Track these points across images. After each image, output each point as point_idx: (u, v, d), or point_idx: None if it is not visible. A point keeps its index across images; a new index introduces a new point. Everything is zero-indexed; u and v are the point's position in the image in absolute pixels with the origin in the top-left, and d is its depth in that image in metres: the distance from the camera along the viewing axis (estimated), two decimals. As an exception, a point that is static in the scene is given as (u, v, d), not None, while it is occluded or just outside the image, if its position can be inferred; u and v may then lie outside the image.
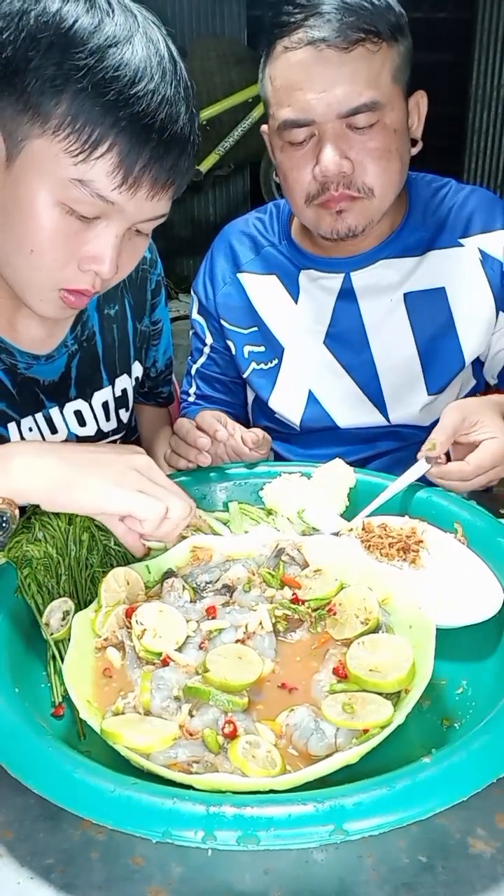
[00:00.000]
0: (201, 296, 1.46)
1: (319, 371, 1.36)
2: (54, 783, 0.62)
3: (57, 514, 0.96)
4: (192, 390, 1.50)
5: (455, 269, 1.30)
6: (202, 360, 1.48)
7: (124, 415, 1.26)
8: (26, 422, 1.11)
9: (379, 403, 1.35)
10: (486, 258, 1.30)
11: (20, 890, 0.60)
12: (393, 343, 1.33)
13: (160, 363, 1.39)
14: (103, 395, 1.21)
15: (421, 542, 0.98)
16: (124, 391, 1.25)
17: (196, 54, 4.69)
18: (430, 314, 1.31)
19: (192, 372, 1.50)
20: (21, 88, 0.80)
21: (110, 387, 1.22)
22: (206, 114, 4.71)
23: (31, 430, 1.12)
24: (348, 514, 1.06)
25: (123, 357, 1.24)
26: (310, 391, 1.37)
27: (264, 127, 1.27)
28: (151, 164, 0.84)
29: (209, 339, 1.46)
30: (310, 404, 1.38)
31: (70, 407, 1.16)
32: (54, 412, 1.14)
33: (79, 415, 1.18)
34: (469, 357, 1.33)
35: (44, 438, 1.14)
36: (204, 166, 4.82)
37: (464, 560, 0.94)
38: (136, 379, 1.29)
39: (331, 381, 1.36)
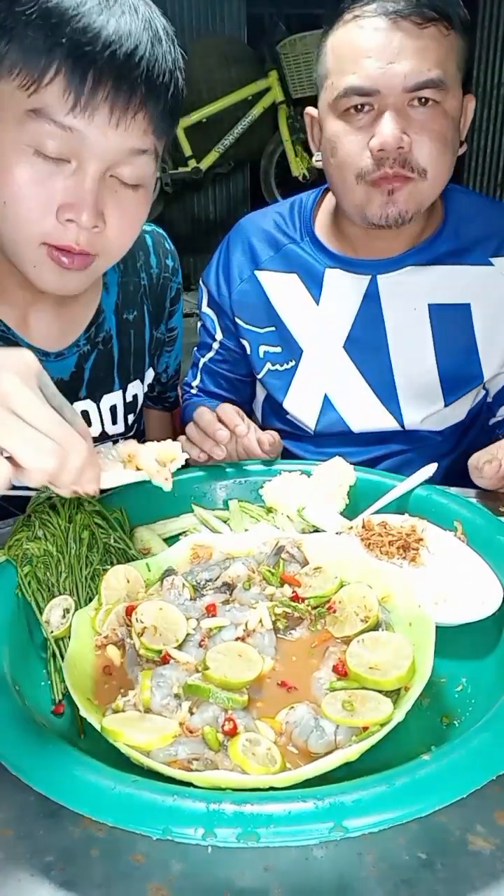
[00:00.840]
0: (213, 289, 1.42)
1: (337, 376, 1.34)
2: (54, 781, 0.62)
3: (57, 512, 0.96)
4: (196, 383, 1.49)
5: (482, 288, 1.28)
6: (210, 354, 1.46)
7: (131, 419, 1.26)
8: None
9: (394, 410, 1.33)
10: None
11: (20, 887, 0.60)
12: (413, 353, 1.31)
13: (171, 368, 1.38)
14: (112, 398, 1.20)
15: (421, 540, 0.98)
16: (135, 396, 1.25)
17: (196, 54, 4.70)
18: (453, 329, 1.30)
19: (199, 365, 1.48)
20: None
21: (121, 391, 1.22)
22: (206, 112, 4.72)
23: None
24: (348, 513, 1.06)
25: (138, 363, 1.24)
26: (325, 396, 1.35)
27: (310, 109, 1.26)
28: (104, 82, 0.82)
29: (219, 336, 1.44)
30: (325, 409, 1.36)
31: (78, 406, 1.16)
32: None
33: (85, 415, 1.17)
34: (488, 375, 1.32)
35: None
36: (204, 164, 4.83)
37: (463, 558, 0.94)
38: (148, 385, 1.29)
39: (347, 386, 1.34)
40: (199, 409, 1.19)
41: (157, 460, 0.86)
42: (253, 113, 4.74)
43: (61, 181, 0.86)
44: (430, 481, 1.09)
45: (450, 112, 1.14)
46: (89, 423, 1.18)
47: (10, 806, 0.67)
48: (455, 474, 1.21)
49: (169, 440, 0.88)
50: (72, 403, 1.14)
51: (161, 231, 1.31)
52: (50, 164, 0.85)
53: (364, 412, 1.34)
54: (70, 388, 1.14)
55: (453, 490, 1.09)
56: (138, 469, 0.86)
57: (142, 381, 1.25)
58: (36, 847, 0.63)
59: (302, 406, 1.37)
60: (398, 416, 1.33)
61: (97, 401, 1.18)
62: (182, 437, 1.20)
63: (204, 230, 5.51)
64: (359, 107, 1.13)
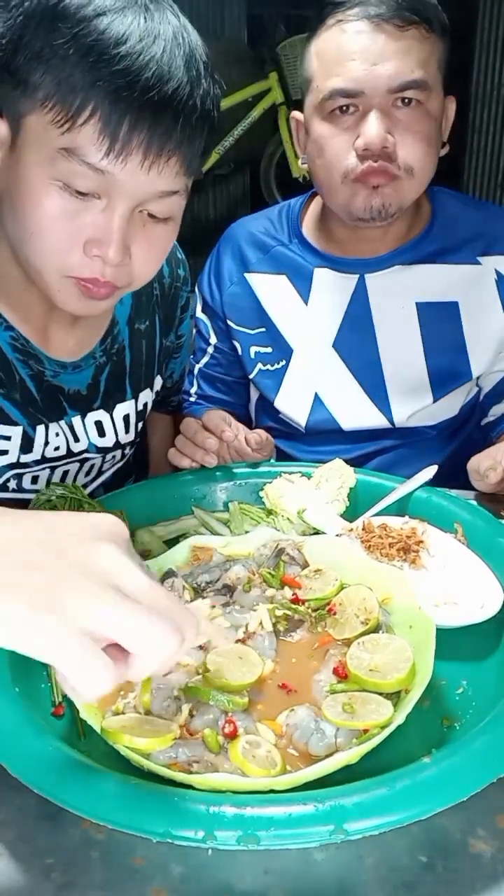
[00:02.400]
0: (206, 294, 1.44)
1: (327, 374, 1.35)
2: (54, 783, 0.62)
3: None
4: (194, 390, 1.49)
5: (470, 287, 1.30)
6: (205, 359, 1.47)
7: (140, 426, 1.26)
8: (54, 426, 1.11)
9: (384, 407, 1.35)
10: (501, 280, 1.29)
11: (20, 890, 0.60)
12: (402, 350, 1.32)
13: (176, 374, 1.39)
14: (126, 407, 1.20)
15: (421, 542, 0.98)
16: (145, 405, 1.25)
17: (196, 54, 4.69)
18: (441, 327, 1.31)
19: (195, 371, 1.49)
20: (15, 67, 0.80)
21: (133, 400, 1.22)
22: (206, 113, 4.71)
23: (57, 434, 1.12)
24: (348, 515, 1.06)
25: (149, 372, 1.24)
26: (316, 394, 1.37)
27: (295, 113, 1.28)
28: (140, 128, 0.80)
29: (213, 339, 1.45)
30: (315, 407, 1.37)
31: (91, 417, 1.16)
32: (76, 421, 1.14)
33: (99, 425, 1.17)
34: (476, 373, 1.32)
35: (69, 446, 1.14)
36: (204, 165, 4.83)
37: (464, 560, 0.94)
38: (157, 392, 1.29)
39: (337, 384, 1.35)
40: (185, 421, 1.20)
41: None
42: (253, 114, 4.73)
43: (90, 217, 0.85)
44: (430, 480, 1.09)
45: (432, 112, 1.16)
46: (103, 433, 1.18)
47: (10, 808, 0.67)
48: (451, 471, 1.21)
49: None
50: (86, 414, 1.15)
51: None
52: (78, 199, 0.84)
53: (354, 409, 1.36)
54: (87, 400, 1.14)
55: (454, 492, 1.09)
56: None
57: (151, 390, 1.25)
58: (36, 849, 0.63)
59: (293, 404, 1.39)
60: (387, 413, 1.35)
61: (110, 411, 1.18)
62: (171, 450, 1.20)
63: (204, 231, 5.51)
64: (344, 108, 1.15)
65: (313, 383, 1.37)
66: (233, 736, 0.68)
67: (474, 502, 1.04)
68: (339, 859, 0.62)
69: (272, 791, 0.63)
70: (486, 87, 5.38)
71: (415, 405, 1.34)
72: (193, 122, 0.84)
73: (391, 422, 1.35)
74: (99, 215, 0.85)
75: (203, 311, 1.46)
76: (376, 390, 1.34)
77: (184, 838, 0.57)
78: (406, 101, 1.13)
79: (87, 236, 0.86)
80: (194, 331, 1.48)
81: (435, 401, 1.33)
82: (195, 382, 1.50)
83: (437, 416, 1.36)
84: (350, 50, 1.12)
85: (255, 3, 4.89)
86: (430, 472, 1.10)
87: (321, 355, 1.35)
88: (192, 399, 1.50)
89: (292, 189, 4.67)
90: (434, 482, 1.10)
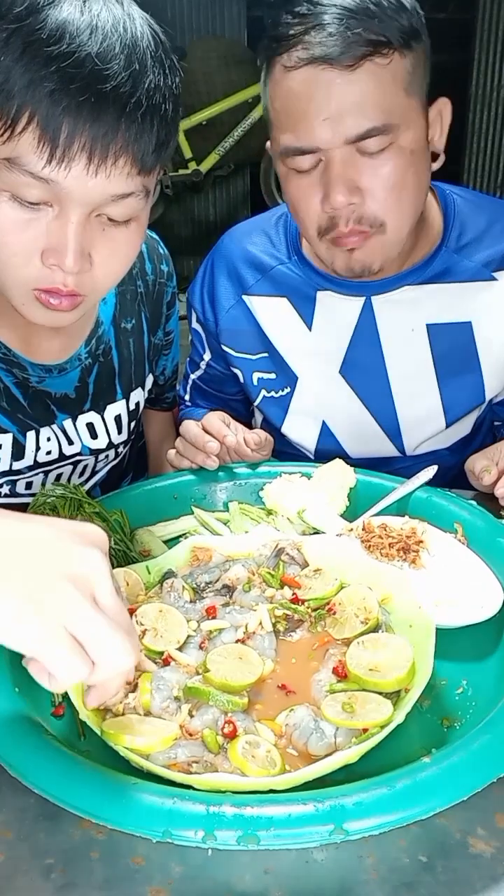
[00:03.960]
0: (198, 311, 1.36)
1: (334, 402, 1.28)
2: (54, 783, 0.62)
3: (57, 514, 0.96)
4: (187, 397, 1.47)
5: (484, 304, 1.21)
6: (198, 373, 1.43)
7: (132, 426, 1.26)
8: (45, 431, 1.11)
9: (394, 435, 1.28)
10: None
11: (20, 890, 0.60)
12: (413, 375, 1.25)
13: (168, 371, 1.37)
14: (117, 408, 1.20)
15: (421, 542, 0.98)
16: (137, 404, 1.24)
17: (196, 55, 4.69)
18: (453, 348, 1.23)
19: (189, 381, 1.45)
20: None
21: (124, 400, 1.21)
22: (206, 114, 4.72)
23: (49, 439, 1.12)
24: (348, 515, 1.06)
25: (139, 371, 1.23)
26: (323, 422, 1.30)
27: (269, 144, 1.15)
28: (80, 131, 0.75)
29: (206, 356, 1.39)
30: (323, 436, 1.31)
31: (83, 419, 1.15)
32: (67, 424, 1.13)
33: (91, 427, 1.17)
34: (490, 395, 1.26)
35: (61, 449, 1.14)
36: (204, 166, 4.83)
37: (464, 560, 0.94)
38: (149, 391, 1.28)
39: (346, 412, 1.28)
40: (185, 423, 1.17)
41: None
42: (253, 115, 4.73)
43: (43, 225, 0.82)
44: (431, 483, 1.09)
45: (408, 146, 1.03)
46: (95, 435, 1.17)
47: (10, 808, 0.67)
48: (456, 475, 1.20)
49: None
50: (76, 417, 1.14)
51: (154, 236, 1.28)
52: (30, 210, 0.81)
53: (364, 439, 1.29)
54: (75, 403, 1.14)
55: (454, 492, 1.09)
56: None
57: (143, 388, 1.25)
58: (36, 849, 0.63)
59: (299, 433, 1.33)
60: (399, 443, 1.29)
61: (101, 412, 1.17)
62: (171, 452, 1.19)
63: (204, 232, 5.51)
64: (305, 164, 1.04)
65: (321, 412, 1.30)
66: (232, 736, 0.68)
67: (474, 502, 1.04)
68: (339, 859, 0.62)
69: (272, 791, 0.63)
70: (486, 87, 5.38)
71: (426, 432, 1.28)
72: (140, 119, 0.79)
73: (402, 451, 1.30)
74: (53, 223, 0.82)
75: (198, 321, 1.38)
76: (387, 418, 1.27)
77: (184, 838, 0.57)
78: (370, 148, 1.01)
79: (43, 246, 0.83)
80: (190, 338, 1.44)
81: (448, 426, 1.27)
82: (188, 391, 1.46)
83: (450, 438, 1.30)
84: (298, 105, 1.00)
85: (255, 4, 4.89)
86: (430, 472, 1.10)
87: (328, 382, 1.28)
88: (188, 404, 1.47)
89: (292, 190, 4.67)
90: (437, 485, 1.10)
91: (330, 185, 1.02)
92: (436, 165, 1.12)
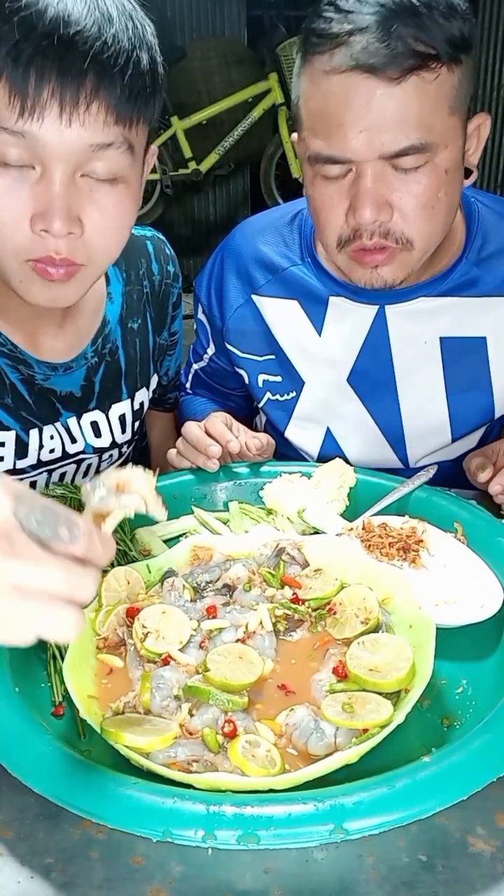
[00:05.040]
0: (205, 305, 1.35)
1: (340, 410, 1.27)
2: (54, 782, 0.62)
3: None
4: (189, 385, 1.46)
5: (501, 320, 1.18)
6: (201, 364, 1.42)
7: (136, 425, 1.26)
8: (48, 429, 1.11)
9: (399, 447, 1.27)
10: None
11: (21, 889, 0.60)
12: (422, 388, 1.22)
13: (172, 371, 1.38)
14: (121, 407, 1.20)
15: (421, 541, 0.98)
16: (142, 404, 1.24)
17: (196, 54, 4.69)
18: (465, 364, 1.20)
19: (191, 371, 1.45)
20: None
21: (129, 400, 1.21)
22: (206, 113, 4.72)
23: (52, 437, 1.12)
24: (348, 514, 1.06)
25: (144, 371, 1.23)
26: (328, 429, 1.29)
27: (294, 137, 1.09)
28: (48, 78, 0.77)
29: (210, 350, 1.38)
30: (327, 443, 1.29)
31: (87, 417, 1.15)
32: (72, 422, 1.14)
33: (95, 426, 1.17)
34: (499, 412, 1.23)
35: (64, 447, 1.14)
36: (204, 166, 4.83)
37: (464, 560, 0.94)
38: (153, 391, 1.29)
39: (352, 421, 1.27)
40: (187, 425, 1.15)
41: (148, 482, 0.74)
42: (253, 115, 4.74)
43: (28, 190, 0.82)
44: (431, 483, 1.09)
45: (443, 164, 0.98)
46: (99, 434, 1.18)
47: (10, 807, 0.67)
48: (456, 475, 1.20)
49: (130, 467, 0.74)
50: (81, 415, 1.14)
51: (161, 237, 1.29)
52: (13, 174, 0.81)
53: (367, 449, 1.28)
54: (81, 401, 1.14)
55: (454, 492, 1.09)
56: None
57: (147, 389, 1.25)
58: (36, 849, 0.63)
59: (304, 438, 1.32)
60: (402, 455, 1.27)
61: (106, 411, 1.17)
62: (172, 451, 1.18)
63: (204, 232, 5.52)
64: (334, 171, 1.00)
65: (325, 419, 1.28)
66: (232, 735, 0.68)
67: (474, 502, 1.05)
68: (339, 858, 0.62)
69: (272, 790, 0.63)
70: (486, 87, 5.39)
71: (431, 445, 1.26)
72: (108, 64, 0.80)
73: (405, 462, 1.28)
74: (37, 187, 0.82)
75: (203, 312, 1.37)
76: (392, 429, 1.25)
77: (184, 838, 0.58)
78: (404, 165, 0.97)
79: (31, 212, 0.83)
80: (195, 328, 1.43)
81: (453, 441, 1.26)
82: (190, 380, 1.45)
83: (454, 452, 1.28)
84: (335, 112, 0.95)
85: (255, 4, 4.89)
86: (430, 471, 1.10)
87: (335, 390, 1.26)
88: (187, 391, 1.46)
89: (292, 189, 4.67)
90: (437, 485, 1.10)
91: (358, 199, 0.98)
92: (468, 182, 1.08)
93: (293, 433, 1.32)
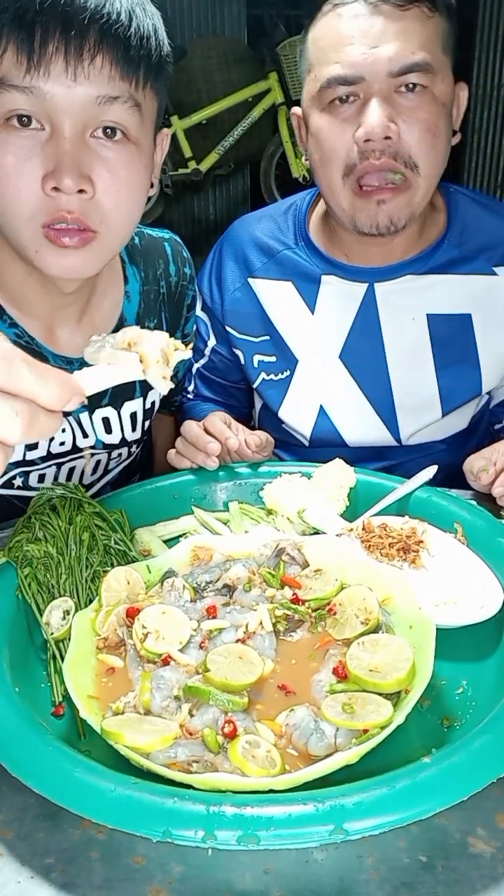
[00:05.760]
0: (206, 296, 1.40)
1: (332, 386, 1.32)
2: (54, 783, 0.62)
3: (57, 514, 0.96)
4: (191, 388, 1.48)
5: (484, 298, 1.25)
6: (203, 361, 1.45)
7: (147, 424, 1.26)
8: None
9: (391, 422, 1.31)
10: None
11: (20, 889, 0.60)
12: (411, 363, 1.28)
13: (180, 373, 1.39)
14: (133, 405, 1.21)
15: (421, 542, 0.98)
16: (153, 404, 1.25)
17: (196, 54, 4.69)
18: (453, 340, 1.26)
19: (193, 371, 1.47)
20: None
21: (142, 399, 1.22)
22: (206, 113, 4.72)
23: (63, 430, 1.12)
24: (348, 515, 1.06)
25: None
26: (321, 406, 1.33)
27: (295, 109, 1.22)
28: (52, 33, 0.81)
29: (211, 341, 1.42)
30: (320, 419, 1.33)
31: (99, 413, 1.16)
32: (84, 417, 1.14)
33: (106, 422, 1.17)
34: (487, 387, 1.29)
35: (75, 441, 1.14)
36: (204, 165, 4.82)
37: (464, 560, 0.94)
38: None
39: (343, 396, 1.31)
40: (186, 423, 1.18)
41: (163, 350, 0.70)
42: (253, 114, 4.73)
43: (39, 150, 0.85)
44: (431, 483, 1.09)
45: (440, 98, 1.09)
46: (110, 430, 1.18)
47: (10, 808, 0.67)
48: (455, 474, 1.20)
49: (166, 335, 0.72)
50: (94, 410, 1.15)
51: (178, 239, 1.31)
52: (24, 136, 0.84)
53: (359, 423, 1.32)
54: (94, 397, 1.14)
55: (454, 492, 1.09)
56: (142, 359, 0.68)
57: None
58: (36, 849, 0.63)
59: (297, 416, 1.35)
60: (394, 429, 1.31)
61: (118, 408, 1.18)
62: (171, 451, 1.19)
63: (204, 231, 5.52)
64: (343, 98, 1.09)
65: (318, 395, 1.33)
66: (232, 736, 0.68)
67: (474, 502, 1.05)
68: (339, 859, 0.62)
69: (272, 791, 0.63)
70: (486, 87, 5.38)
71: (422, 420, 1.30)
72: (110, 18, 0.83)
73: (397, 439, 1.31)
74: (47, 147, 0.85)
75: (203, 309, 1.41)
76: (383, 404, 1.30)
77: (184, 838, 0.57)
78: (410, 86, 1.07)
79: (42, 171, 0.85)
80: (195, 327, 1.47)
81: (444, 415, 1.30)
82: (193, 381, 1.48)
83: (446, 430, 1.32)
84: (347, 34, 1.07)
85: (254, 3, 4.89)
86: (430, 472, 1.10)
87: (327, 366, 1.31)
88: (189, 397, 1.48)
89: (292, 189, 4.67)
90: (437, 485, 1.10)
91: (369, 113, 1.06)
92: (454, 140, 1.17)
93: (287, 412, 1.36)
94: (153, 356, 0.67)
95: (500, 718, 0.68)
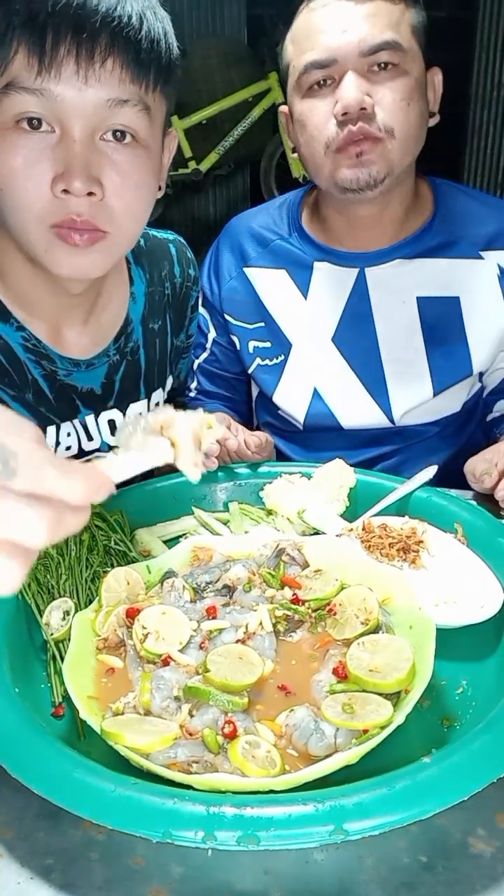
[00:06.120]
0: (206, 289, 1.44)
1: (326, 368, 1.35)
2: (54, 783, 0.62)
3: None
4: (194, 385, 1.50)
5: (471, 281, 1.29)
6: (204, 355, 1.47)
7: None
8: (66, 426, 1.11)
9: (383, 402, 1.34)
10: None
11: (20, 890, 0.60)
12: (402, 344, 1.32)
13: (183, 374, 1.40)
14: (138, 407, 1.21)
15: (421, 542, 0.98)
16: (157, 405, 1.26)
17: (196, 54, 4.69)
18: (442, 322, 1.30)
19: (194, 367, 1.49)
20: None
21: (146, 400, 1.22)
22: (206, 113, 4.72)
23: (69, 434, 1.12)
24: (348, 515, 1.06)
25: (162, 372, 1.25)
26: (315, 389, 1.36)
27: (283, 107, 1.28)
28: (64, 36, 0.81)
29: (212, 334, 1.45)
30: (314, 402, 1.37)
31: (105, 415, 1.16)
32: (89, 419, 1.14)
33: (112, 424, 1.18)
34: (477, 368, 1.32)
35: (80, 444, 1.14)
36: (204, 165, 4.82)
37: (464, 560, 0.94)
38: (168, 393, 1.29)
39: (337, 378, 1.35)
40: None
41: (195, 432, 0.65)
42: (253, 114, 4.73)
43: (49, 153, 0.85)
44: (430, 481, 1.09)
45: (412, 73, 1.15)
46: (114, 433, 1.18)
47: (10, 808, 0.67)
48: (454, 473, 1.20)
49: (201, 411, 0.67)
50: (99, 413, 1.15)
51: (182, 240, 1.33)
52: (34, 138, 0.85)
53: (353, 404, 1.35)
54: (101, 399, 1.15)
55: (453, 492, 1.09)
56: (173, 444, 0.63)
57: (163, 389, 1.27)
58: (36, 849, 0.63)
59: (291, 399, 1.38)
60: (387, 409, 1.34)
61: (124, 410, 1.18)
62: None
63: (204, 231, 5.52)
64: (321, 82, 1.15)
65: (312, 378, 1.37)
66: (232, 736, 0.68)
67: (474, 502, 1.05)
68: (339, 859, 0.62)
69: (272, 791, 0.63)
70: (486, 87, 5.38)
71: (415, 399, 1.33)
72: (121, 22, 0.84)
73: (391, 419, 1.35)
74: (57, 149, 0.85)
75: (203, 305, 1.45)
76: (376, 385, 1.34)
77: (184, 839, 0.57)
78: (382, 65, 1.13)
79: (52, 173, 0.86)
80: (196, 325, 1.48)
81: (435, 395, 1.33)
82: (195, 377, 1.50)
83: (439, 411, 1.35)
84: (319, 23, 1.14)
85: (254, 3, 4.89)
86: (430, 472, 1.10)
87: (320, 350, 1.35)
88: (191, 394, 1.50)
89: (292, 189, 4.67)
90: (436, 484, 1.10)
91: (344, 89, 1.12)
92: (432, 122, 1.23)
93: (281, 396, 1.39)
94: (184, 442, 0.64)
95: (500, 718, 0.68)
